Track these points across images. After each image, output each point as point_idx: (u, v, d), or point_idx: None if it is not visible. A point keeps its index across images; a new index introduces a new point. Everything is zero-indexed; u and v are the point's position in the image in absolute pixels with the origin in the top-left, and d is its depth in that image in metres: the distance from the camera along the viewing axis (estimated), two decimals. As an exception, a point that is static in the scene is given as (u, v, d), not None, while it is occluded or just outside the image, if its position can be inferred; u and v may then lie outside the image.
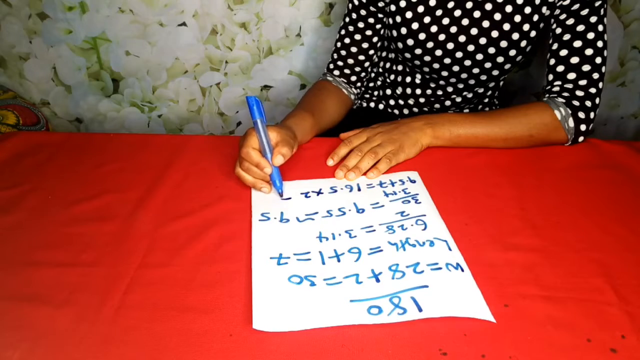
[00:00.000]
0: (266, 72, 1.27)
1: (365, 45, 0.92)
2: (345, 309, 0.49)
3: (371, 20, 0.90)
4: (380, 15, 0.90)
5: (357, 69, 0.94)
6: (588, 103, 0.77)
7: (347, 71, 0.94)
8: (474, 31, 0.83)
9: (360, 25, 0.91)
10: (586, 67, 0.77)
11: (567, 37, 0.78)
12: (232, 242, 0.59)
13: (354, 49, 0.92)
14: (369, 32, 0.91)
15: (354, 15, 0.91)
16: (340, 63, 0.94)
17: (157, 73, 1.27)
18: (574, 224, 0.62)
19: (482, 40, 0.84)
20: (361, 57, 0.93)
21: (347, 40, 0.92)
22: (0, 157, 0.77)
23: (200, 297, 0.52)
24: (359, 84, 0.96)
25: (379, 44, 0.94)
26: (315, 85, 0.94)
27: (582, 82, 0.78)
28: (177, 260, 0.57)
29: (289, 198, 0.67)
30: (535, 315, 0.49)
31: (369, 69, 0.96)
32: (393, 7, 0.86)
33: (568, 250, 0.58)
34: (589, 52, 0.77)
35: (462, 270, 0.54)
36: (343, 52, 0.93)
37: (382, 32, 0.92)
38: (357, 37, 0.92)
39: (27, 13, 1.19)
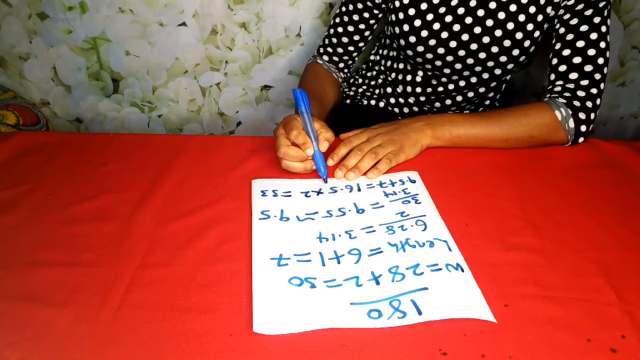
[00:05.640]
0: (266, 72, 1.27)
1: (356, 37, 0.96)
2: (345, 312, 0.49)
3: (366, 14, 0.94)
4: (375, 12, 0.93)
5: (345, 57, 0.99)
6: (589, 104, 0.77)
7: (335, 59, 0.99)
8: (477, 29, 0.84)
9: (355, 17, 0.94)
10: (588, 68, 0.77)
11: (570, 37, 0.78)
12: (232, 242, 0.59)
13: (345, 39, 0.97)
14: (362, 26, 0.95)
15: (351, 7, 0.94)
16: (330, 50, 0.98)
17: (157, 73, 1.27)
18: (574, 224, 0.62)
19: (486, 39, 0.84)
20: (351, 48, 0.98)
21: (340, 29, 0.96)
22: (0, 157, 0.77)
23: (200, 297, 0.52)
24: (345, 70, 1.01)
25: (369, 38, 0.98)
26: (310, 70, 0.99)
27: (584, 82, 0.78)
28: (177, 260, 0.57)
29: (326, 182, 0.70)
30: (535, 315, 0.49)
31: (356, 58, 1.01)
32: (397, 3, 0.86)
33: (568, 250, 0.58)
34: (591, 52, 0.77)
35: (462, 270, 0.54)
36: (334, 40, 0.97)
37: (375, 27, 0.97)
38: (350, 28, 0.95)
39: (27, 13, 1.19)
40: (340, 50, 0.97)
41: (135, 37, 1.21)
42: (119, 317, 0.49)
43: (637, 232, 0.61)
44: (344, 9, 0.95)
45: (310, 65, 1.00)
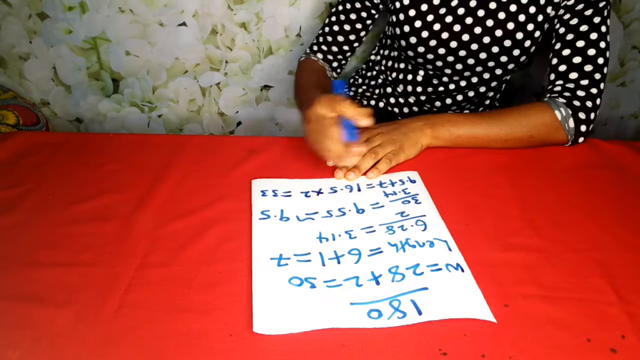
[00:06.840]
0: (266, 72, 1.27)
1: (352, 37, 0.96)
2: (345, 312, 0.49)
3: (364, 14, 0.93)
4: (373, 12, 0.93)
5: (339, 57, 0.99)
6: (589, 104, 0.77)
7: (330, 57, 0.98)
8: (477, 30, 0.84)
9: (353, 17, 0.94)
10: (588, 67, 0.77)
11: (570, 36, 0.78)
12: (232, 242, 0.59)
13: (340, 38, 0.96)
14: (358, 26, 0.95)
15: (348, 6, 0.93)
16: (324, 48, 0.98)
17: (157, 73, 1.27)
18: (574, 224, 0.62)
19: (486, 39, 0.84)
20: (345, 48, 0.97)
21: (336, 28, 0.96)
22: (0, 157, 0.77)
23: (200, 297, 0.52)
24: (338, 70, 1.01)
25: (364, 38, 0.98)
26: (308, 65, 0.98)
27: (584, 82, 0.78)
28: (177, 260, 0.57)
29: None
30: (535, 315, 0.49)
31: (349, 59, 1.01)
32: (398, 5, 0.86)
33: (568, 250, 0.58)
34: (591, 52, 0.77)
35: (462, 270, 0.54)
36: (329, 39, 0.97)
37: (370, 27, 0.96)
38: (347, 27, 0.95)
39: (27, 13, 1.19)
40: (335, 49, 0.97)
41: (135, 37, 1.21)
42: (119, 317, 0.49)
43: (637, 232, 0.61)
44: (340, 7, 0.94)
45: (307, 61, 0.99)
